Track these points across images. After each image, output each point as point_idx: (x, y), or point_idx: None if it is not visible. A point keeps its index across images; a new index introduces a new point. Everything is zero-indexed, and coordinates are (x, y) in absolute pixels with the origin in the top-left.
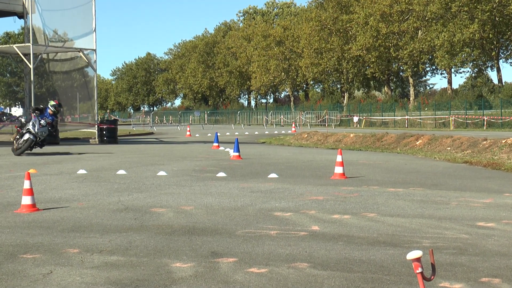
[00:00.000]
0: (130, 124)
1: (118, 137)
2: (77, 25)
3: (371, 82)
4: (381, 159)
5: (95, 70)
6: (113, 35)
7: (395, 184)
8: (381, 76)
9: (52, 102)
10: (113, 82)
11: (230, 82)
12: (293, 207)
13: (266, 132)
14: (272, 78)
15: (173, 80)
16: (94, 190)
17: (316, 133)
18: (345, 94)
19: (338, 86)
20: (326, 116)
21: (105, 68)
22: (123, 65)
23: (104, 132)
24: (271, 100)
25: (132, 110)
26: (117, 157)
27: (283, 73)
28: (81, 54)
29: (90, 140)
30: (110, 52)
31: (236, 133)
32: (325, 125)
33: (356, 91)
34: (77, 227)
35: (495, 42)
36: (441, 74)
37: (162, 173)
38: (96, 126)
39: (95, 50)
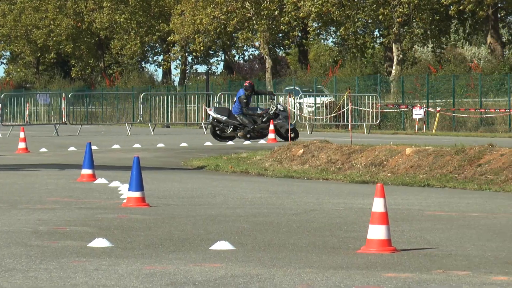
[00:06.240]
0: None
1: None
2: None
3: (452, 25)
4: (478, 208)
5: None
6: None
7: (510, 267)
8: (479, 11)
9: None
10: None
11: (120, 25)
12: None
13: (208, 143)
14: (222, 17)
15: None
16: None
17: (326, 145)
18: (393, 52)
19: (378, 35)
20: (350, 105)
21: None
22: None
23: None
24: (220, 67)
25: None
26: None
27: (248, 6)
28: None
29: None
30: None
31: (136, 145)
32: (348, 126)
33: (418, 47)
34: None
35: None
36: None
37: None
38: None
39: None
